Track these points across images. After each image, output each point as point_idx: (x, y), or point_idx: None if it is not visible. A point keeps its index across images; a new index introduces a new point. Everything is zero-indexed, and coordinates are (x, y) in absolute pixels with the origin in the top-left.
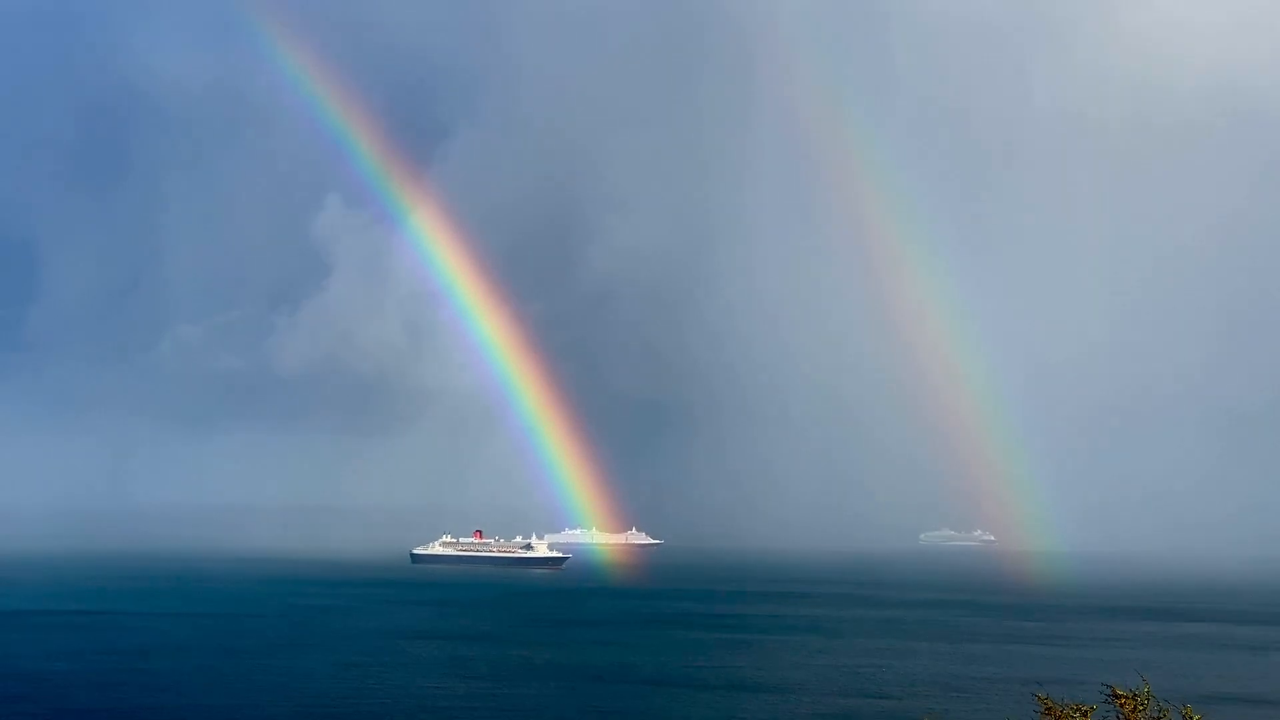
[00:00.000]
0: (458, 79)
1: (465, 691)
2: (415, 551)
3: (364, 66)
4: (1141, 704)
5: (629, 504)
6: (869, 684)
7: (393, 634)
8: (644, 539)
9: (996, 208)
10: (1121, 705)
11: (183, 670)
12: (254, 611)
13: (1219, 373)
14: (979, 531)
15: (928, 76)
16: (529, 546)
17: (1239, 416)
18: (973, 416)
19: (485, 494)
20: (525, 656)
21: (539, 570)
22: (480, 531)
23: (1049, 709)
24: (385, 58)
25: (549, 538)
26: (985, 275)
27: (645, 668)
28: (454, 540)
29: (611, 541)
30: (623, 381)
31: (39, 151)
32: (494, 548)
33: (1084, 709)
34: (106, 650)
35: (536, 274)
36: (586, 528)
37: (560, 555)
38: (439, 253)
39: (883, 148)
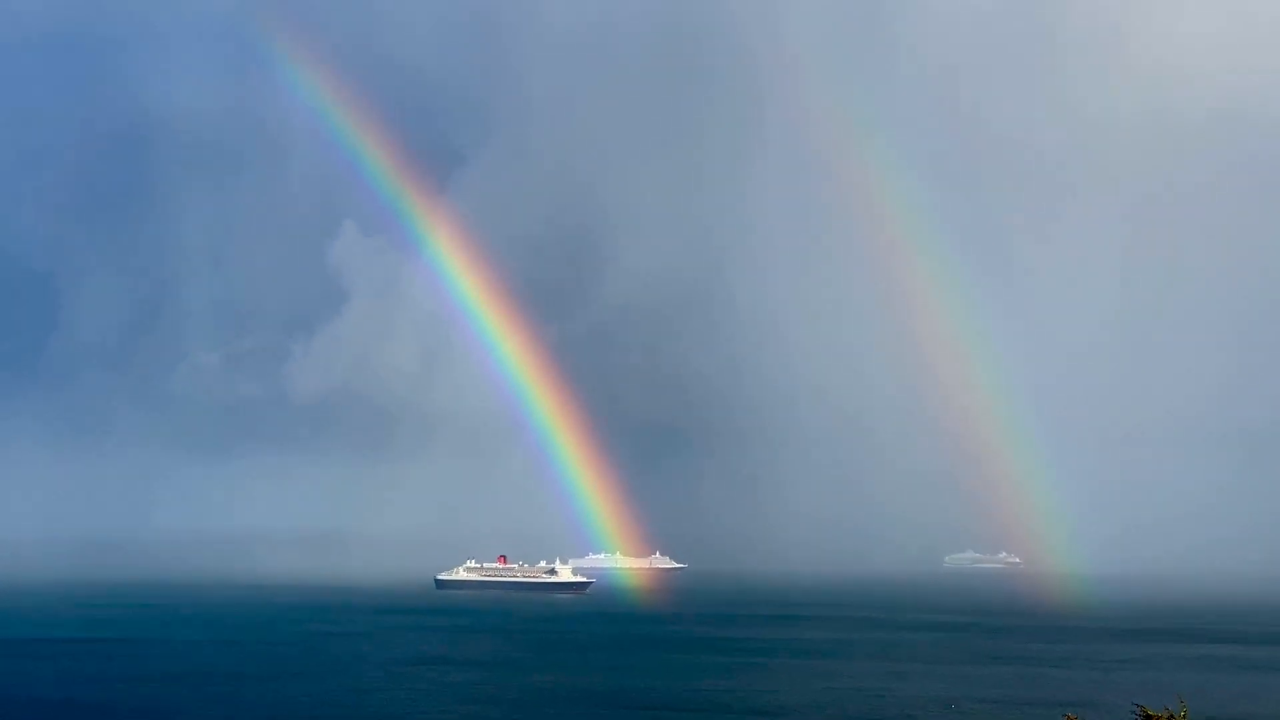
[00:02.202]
0: (472, 105)
1: (491, 716)
2: (440, 577)
3: (379, 94)
4: None
5: (652, 528)
6: (896, 708)
7: (419, 660)
8: (667, 563)
9: (1016, 226)
10: None
11: (217, 697)
12: (278, 638)
13: (1238, 390)
14: (1004, 554)
15: (940, 92)
16: (553, 571)
17: (1256, 435)
18: (996, 437)
19: (505, 519)
20: (550, 682)
21: (563, 595)
22: (504, 557)
23: None
24: (400, 85)
25: (573, 562)
26: (1005, 295)
27: (670, 692)
28: (478, 565)
29: (635, 566)
30: (640, 404)
31: (58, 181)
32: (518, 573)
33: None
34: (128, 677)
35: (552, 298)
36: (610, 552)
37: (584, 580)
38: (455, 278)
39: (897, 164)
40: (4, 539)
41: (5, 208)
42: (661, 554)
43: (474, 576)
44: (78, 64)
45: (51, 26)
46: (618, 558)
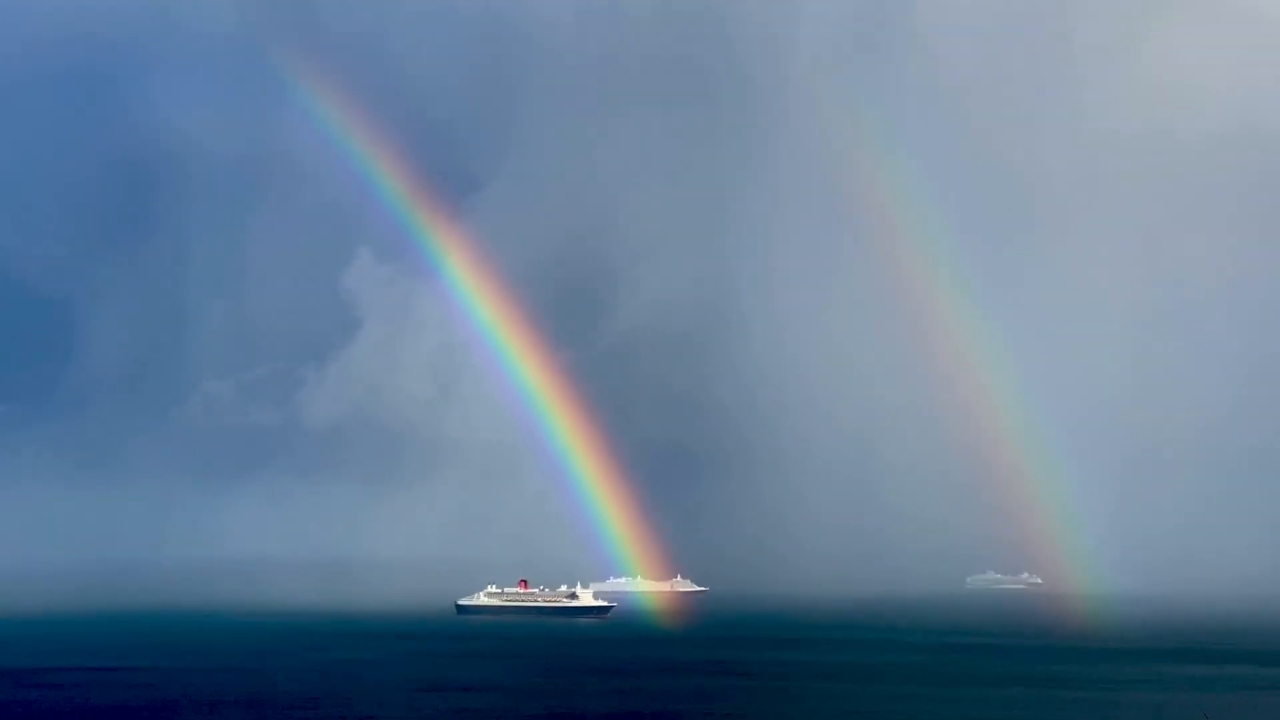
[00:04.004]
0: (486, 130)
1: None
2: (460, 602)
3: (392, 119)
4: None
5: (673, 551)
6: None
7: (441, 686)
8: (688, 586)
9: (1030, 243)
10: None
11: None
12: (298, 665)
13: (1257, 407)
14: (1026, 574)
15: (951, 110)
16: (574, 596)
17: (1270, 454)
18: (1015, 457)
19: (521, 544)
20: (572, 708)
21: (585, 619)
22: (525, 581)
23: None
24: (413, 111)
25: (594, 586)
26: (1021, 312)
27: (691, 717)
28: (499, 590)
29: (656, 589)
30: (656, 429)
31: (72, 211)
32: (539, 598)
33: None
34: (143, 705)
35: (567, 323)
36: (631, 576)
37: (606, 604)
38: (469, 304)
39: (909, 184)
40: (17, 567)
41: (20, 236)
42: (683, 577)
43: (495, 601)
44: (89, 92)
45: (63, 55)
46: (639, 581)
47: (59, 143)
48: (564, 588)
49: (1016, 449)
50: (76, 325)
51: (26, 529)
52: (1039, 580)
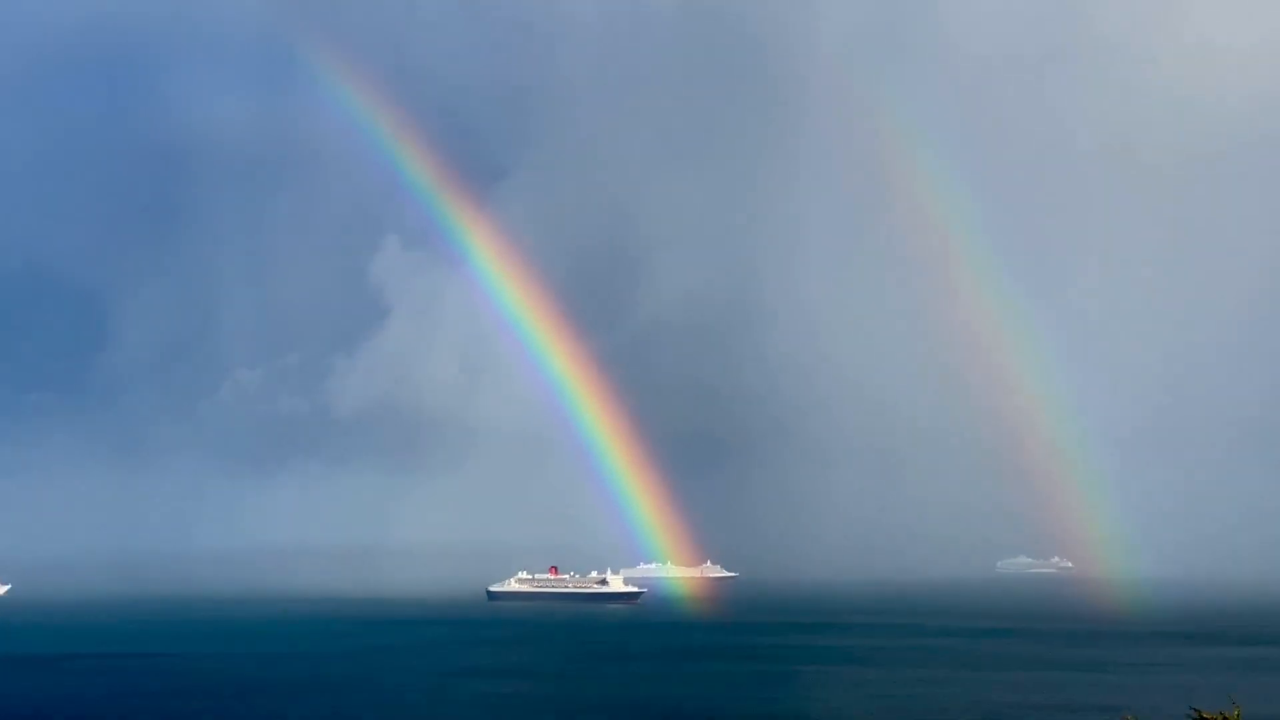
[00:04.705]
0: (512, 118)
1: None
2: (491, 589)
3: (419, 107)
4: None
5: (702, 537)
6: (949, 715)
7: (471, 672)
8: (719, 572)
9: (1057, 228)
10: None
11: (266, 710)
12: (327, 652)
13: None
14: (1056, 558)
15: (978, 98)
16: (604, 582)
17: None
18: (1045, 441)
19: (549, 530)
20: (601, 693)
21: (615, 605)
22: (555, 568)
23: None
24: (439, 98)
25: (624, 572)
26: (1049, 298)
27: (720, 702)
28: (530, 576)
29: (686, 575)
30: (685, 415)
31: (103, 201)
32: (570, 583)
33: None
34: (174, 692)
35: (594, 311)
36: (661, 562)
37: (636, 590)
38: (497, 291)
39: (935, 171)
40: (50, 555)
41: (52, 227)
42: (713, 563)
43: (525, 588)
44: (118, 81)
45: (90, 43)
46: (669, 567)
47: (89, 134)
48: (594, 574)
49: (1047, 433)
50: (107, 315)
51: (58, 517)
52: (1070, 564)
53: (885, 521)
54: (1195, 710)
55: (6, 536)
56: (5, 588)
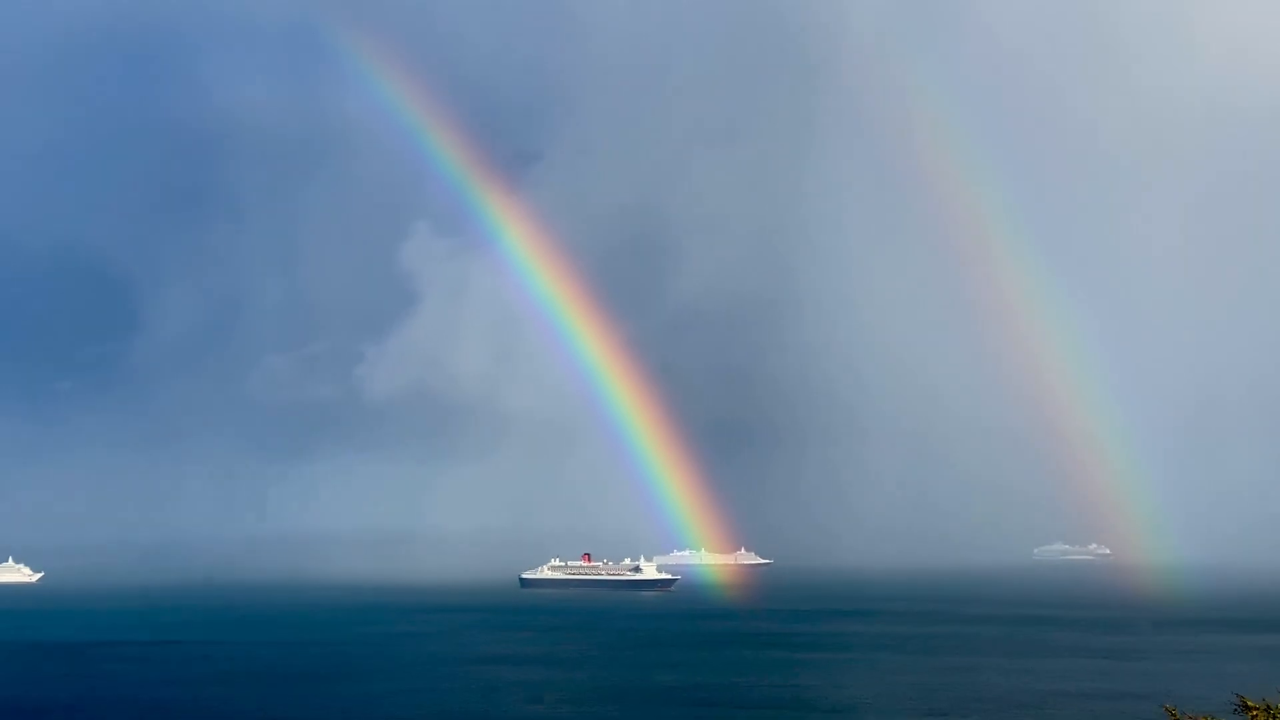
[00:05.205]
0: (543, 104)
1: (573, 714)
2: (525, 575)
3: (450, 93)
4: (1274, 715)
5: (736, 524)
6: (984, 702)
7: (504, 659)
8: (753, 559)
9: (1090, 210)
10: (1253, 717)
11: (299, 697)
12: (359, 638)
13: None
14: (1094, 545)
15: (1008, 80)
16: (638, 569)
17: None
18: (1081, 428)
19: (581, 516)
20: (634, 679)
21: (649, 592)
22: (589, 555)
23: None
24: (469, 86)
25: (658, 559)
26: (1083, 283)
27: (751, 689)
28: (563, 563)
29: (720, 562)
30: (718, 402)
31: (134, 188)
32: (603, 570)
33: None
34: (209, 678)
35: (626, 296)
36: (695, 549)
37: (669, 577)
38: (527, 277)
39: (965, 155)
40: (81, 542)
41: (84, 215)
42: (747, 550)
43: (559, 575)
44: (149, 68)
45: (121, 30)
46: (702, 554)
47: (120, 122)
48: (627, 561)
49: (1084, 420)
50: (139, 302)
51: (89, 504)
52: (1107, 551)
53: (920, 509)
54: (1240, 698)
55: (38, 524)
56: (37, 575)
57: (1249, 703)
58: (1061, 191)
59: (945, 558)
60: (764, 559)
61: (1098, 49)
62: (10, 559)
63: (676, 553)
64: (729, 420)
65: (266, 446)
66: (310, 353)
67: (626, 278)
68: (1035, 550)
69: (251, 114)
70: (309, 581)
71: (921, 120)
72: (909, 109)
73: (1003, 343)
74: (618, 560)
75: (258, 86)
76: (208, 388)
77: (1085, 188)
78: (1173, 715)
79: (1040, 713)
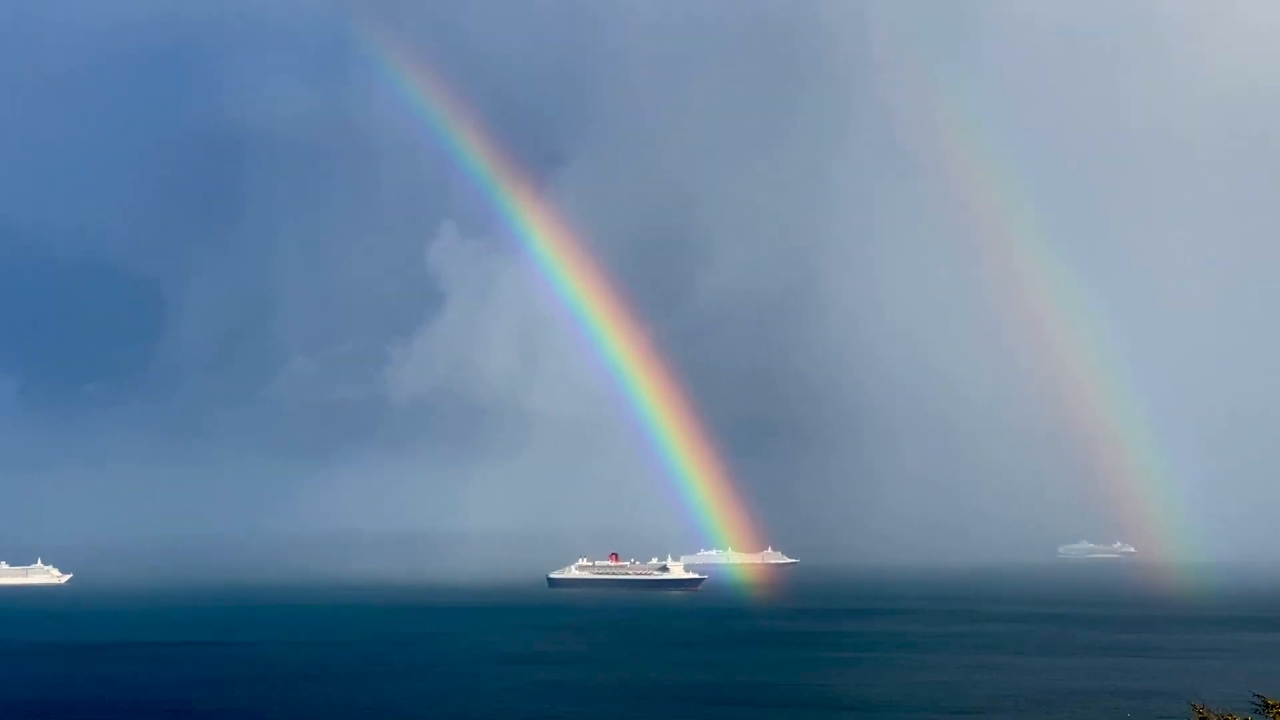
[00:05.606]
0: (569, 105)
1: (600, 714)
2: (552, 575)
3: (475, 97)
4: None
5: (763, 523)
6: (1010, 701)
7: (532, 659)
8: (780, 558)
9: (1118, 209)
10: (1274, 716)
11: (328, 697)
12: (388, 638)
13: None
14: (1119, 543)
15: (1036, 78)
16: (665, 568)
17: None
18: (1107, 426)
19: (606, 516)
20: (660, 678)
21: (676, 592)
22: (616, 554)
23: (1203, 718)
24: (495, 88)
25: (685, 559)
26: (1110, 282)
27: (777, 688)
28: (590, 563)
29: (747, 561)
30: (745, 400)
31: (161, 191)
32: (630, 570)
33: (1237, 719)
34: (238, 679)
35: (652, 296)
36: (722, 548)
37: (697, 576)
38: (554, 277)
39: (992, 154)
40: (109, 543)
41: (109, 217)
42: (774, 549)
43: (586, 574)
44: (174, 71)
45: (146, 34)
46: (730, 554)
47: (146, 125)
48: (655, 560)
49: (1110, 418)
50: (165, 305)
51: (117, 506)
52: (1132, 549)
53: (946, 507)
54: (1260, 697)
55: (67, 525)
56: (66, 577)
57: (1270, 702)
58: (1090, 190)
59: (970, 556)
60: (791, 558)
61: (1129, 46)
62: (39, 560)
63: (703, 552)
64: (755, 419)
65: (293, 447)
66: (337, 353)
67: (653, 277)
68: (1060, 548)
69: (278, 116)
70: (336, 581)
71: (948, 119)
72: (935, 108)
73: (1029, 341)
74: (645, 560)
75: (284, 89)
76: (235, 389)
77: (1114, 186)
78: (1199, 714)
79: (1067, 711)
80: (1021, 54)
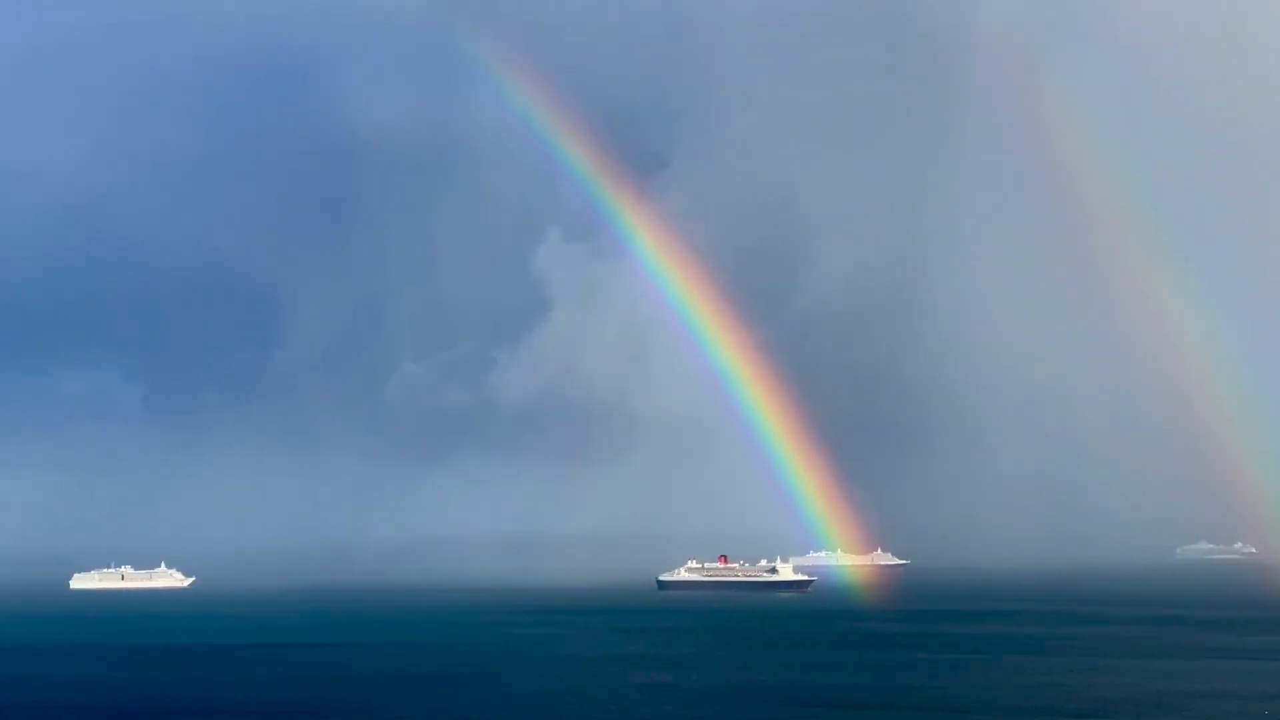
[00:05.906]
0: (670, 108)
1: (704, 714)
2: (662, 578)
3: (578, 101)
4: None
5: (872, 525)
6: (1125, 705)
7: (640, 661)
8: (890, 559)
9: (1225, 204)
10: None
11: (439, 696)
12: (498, 641)
13: None
14: (1239, 544)
15: (1144, 78)
16: (774, 570)
17: None
18: (1225, 425)
19: (714, 519)
20: (767, 680)
21: (785, 594)
22: (725, 556)
23: None
24: (598, 91)
25: (794, 561)
26: (1224, 281)
27: (883, 689)
28: (700, 565)
29: (857, 563)
30: (851, 403)
31: (274, 201)
32: (739, 572)
33: None
34: (351, 679)
35: (757, 299)
36: (831, 550)
37: (806, 578)
38: (659, 281)
39: (1102, 155)
40: (230, 549)
41: (226, 230)
42: (884, 550)
43: (696, 577)
44: (286, 81)
45: (258, 44)
46: (839, 555)
47: (259, 135)
48: (764, 562)
49: (1227, 416)
50: (280, 313)
51: (236, 512)
52: (1253, 549)
53: (1058, 507)
54: None
55: (189, 530)
56: (189, 580)
57: None
58: (1199, 185)
59: (1084, 557)
60: (900, 559)
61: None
62: (163, 564)
63: (813, 554)
64: (863, 420)
65: (405, 452)
66: (446, 359)
67: (758, 280)
68: (1178, 549)
69: (386, 124)
70: (447, 585)
71: (1053, 117)
72: (1040, 106)
73: (1141, 339)
74: (754, 562)
75: (392, 98)
76: (347, 395)
77: (1230, 178)
78: None
79: (1185, 714)
80: (1128, 51)
